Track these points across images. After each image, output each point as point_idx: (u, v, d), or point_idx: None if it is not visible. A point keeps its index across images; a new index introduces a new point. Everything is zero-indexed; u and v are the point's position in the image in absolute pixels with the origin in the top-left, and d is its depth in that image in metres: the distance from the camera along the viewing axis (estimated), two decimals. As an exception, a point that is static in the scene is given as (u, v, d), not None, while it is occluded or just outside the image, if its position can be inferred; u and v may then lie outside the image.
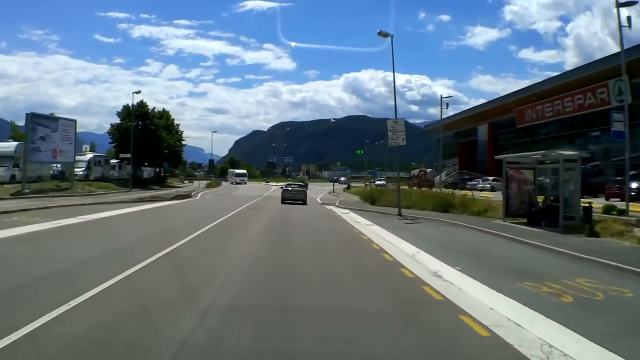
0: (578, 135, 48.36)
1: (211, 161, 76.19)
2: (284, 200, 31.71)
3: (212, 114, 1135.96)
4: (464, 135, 73.20)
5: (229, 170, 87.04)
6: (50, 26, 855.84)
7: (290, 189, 34.51)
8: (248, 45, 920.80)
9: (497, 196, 28.62)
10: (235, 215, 21.57)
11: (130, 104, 47.47)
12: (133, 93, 43.51)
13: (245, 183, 74.25)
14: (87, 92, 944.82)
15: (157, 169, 59.44)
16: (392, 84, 25.31)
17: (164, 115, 54.92)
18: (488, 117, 63.41)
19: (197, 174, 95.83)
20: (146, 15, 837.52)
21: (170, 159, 53.80)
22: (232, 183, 72.85)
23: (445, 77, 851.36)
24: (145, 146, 47.77)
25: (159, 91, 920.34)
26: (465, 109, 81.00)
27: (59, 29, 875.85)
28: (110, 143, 51.62)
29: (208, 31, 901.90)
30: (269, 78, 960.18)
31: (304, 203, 31.41)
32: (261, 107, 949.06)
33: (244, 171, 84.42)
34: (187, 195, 36.90)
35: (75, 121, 36.08)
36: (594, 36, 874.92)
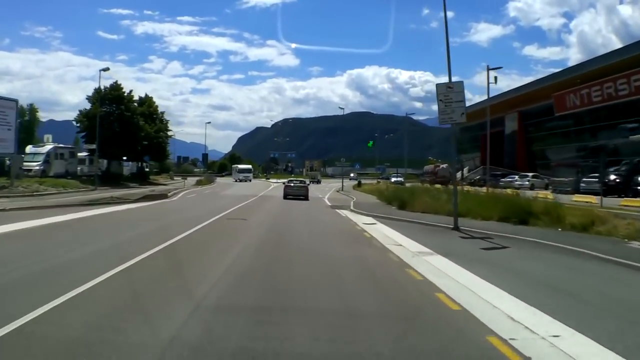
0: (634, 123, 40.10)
1: (205, 155, 67.66)
2: (286, 196, 31.34)
3: (216, 110, 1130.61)
4: (486, 126, 64.77)
5: (232, 166, 77.52)
6: (53, 23, 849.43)
7: (292, 185, 33.90)
8: (251, 42, 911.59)
9: (559, 197, 20.81)
10: (201, 231, 13.67)
11: (102, 87, 39.42)
12: (100, 71, 35.47)
13: (249, 180, 64.07)
14: (90, 88, 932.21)
15: (141, 164, 51.36)
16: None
17: (146, 101, 47.00)
18: (517, 105, 55.14)
19: (197, 170, 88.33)
20: (149, 12, 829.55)
21: (151, 151, 45.61)
22: (236, 180, 62.80)
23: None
24: (120, 136, 39.93)
25: (162, 88, 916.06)
26: (477, 101, 72.81)
27: (61, 25, 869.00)
28: (78, 132, 43.59)
29: (211, 28, 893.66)
30: (272, 75, 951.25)
31: (306, 199, 31.15)
32: (264, 103, 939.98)
33: (249, 166, 73.25)
34: (161, 196, 29.06)
35: (16, 101, 28.23)
36: (597, 33, 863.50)
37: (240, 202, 26.23)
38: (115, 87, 41.65)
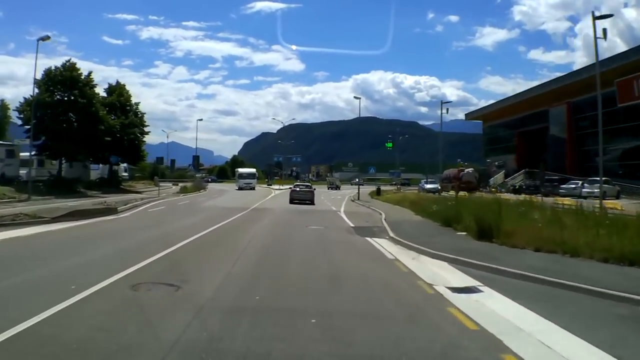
0: None
1: (196, 158, 57.83)
2: (292, 201, 30.43)
3: (222, 115, 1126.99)
4: (525, 122, 55.31)
5: (235, 170, 65.16)
6: (59, 28, 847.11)
7: (298, 189, 32.87)
8: (257, 47, 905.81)
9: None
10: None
11: (53, 67, 30.18)
12: (38, 40, 26.11)
13: (252, 188, 51.66)
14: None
15: (111, 167, 41.73)
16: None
17: (116, 89, 37.89)
18: (566, 96, 45.52)
19: (199, 175, 78.90)
20: (154, 17, 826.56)
21: (119, 150, 36.06)
22: (239, 188, 51.33)
23: (454, 78, 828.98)
24: (76, 130, 30.87)
25: (168, 93, 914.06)
26: (514, 92, 62.72)
27: (67, 30, 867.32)
28: (21, 126, 34.19)
29: (216, 32, 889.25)
30: (277, 80, 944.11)
31: (312, 203, 29.87)
32: (270, 108, 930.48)
33: (253, 170, 59.20)
34: (105, 211, 19.85)
35: None
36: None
37: (216, 223, 17.06)
38: (69, 68, 32.38)
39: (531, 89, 55.21)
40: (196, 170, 65.27)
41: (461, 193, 31.16)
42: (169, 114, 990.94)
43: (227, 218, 19.05)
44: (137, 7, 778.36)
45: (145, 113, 39.82)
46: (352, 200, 36.12)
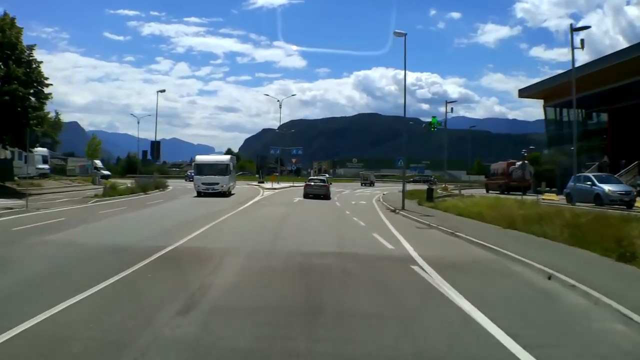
0: None
1: (155, 144, 41.27)
2: (306, 195, 29.54)
3: (223, 112, 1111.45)
4: (619, 95, 39.15)
5: (193, 161, 43.13)
6: (60, 24, 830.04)
7: (312, 184, 31.62)
8: (258, 43, 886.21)
9: None
10: None
11: None
12: None
13: (222, 192, 28.34)
14: (97, 90, 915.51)
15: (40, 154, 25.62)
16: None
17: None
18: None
19: (190, 172, 63.32)
20: (156, 13, 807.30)
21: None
22: (197, 192, 28.43)
23: (456, 75, 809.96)
24: None
25: (170, 89, 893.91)
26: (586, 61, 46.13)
27: (68, 26, 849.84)
28: None
29: (218, 29, 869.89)
30: (279, 76, 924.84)
31: (326, 198, 29.07)
32: (272, 105, 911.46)
33: (222, 159, 32.44)
34: None
35: None
36: (605, 34, 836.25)
37: None
38: None
39: (605, 57, 39.37)
40: (159, 163, 49.29)
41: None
42: (170, 111, 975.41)
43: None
44: (139, 3, 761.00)
45: (42, 62, 23.56)
46: (394, 211, 20.52)
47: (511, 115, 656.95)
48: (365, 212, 21.05)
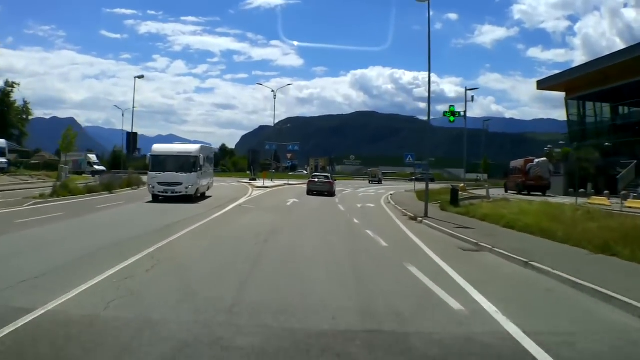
0: None
1: (132, 135, 36.61)
2: (310, 192, 29.10)
3: (219, 109, 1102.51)
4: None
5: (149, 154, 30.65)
6: (57, 22, 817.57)
7: (316, 180, 30.72)
8: (255, 42, 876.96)
9: None
10: None
11: None
12: None
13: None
14: (94, 87, 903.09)
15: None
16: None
17: None
18: None
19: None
20: (153, 12, 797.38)
21: None
22: (153, 195, 20.75)
23: (453, 75, 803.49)
24: None
25: (166, 87, 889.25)
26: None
27: (65, 25, 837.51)
28: None
29: (215, 28, 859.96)
30: (276, 74, 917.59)
31: (330, 195, 28.59)
32: (268, 103, 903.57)
33: (188, 149, 22.50)
34: None
35: None
36: (602, 36, 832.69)
37: None
38: None
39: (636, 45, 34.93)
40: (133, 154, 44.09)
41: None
42: (167, 108, 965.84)
43: None
44: (136, 2, 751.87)
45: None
46: (414, 219, 15.87)
47: (508, 114, 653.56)
48: (380, 220, 16.43)
